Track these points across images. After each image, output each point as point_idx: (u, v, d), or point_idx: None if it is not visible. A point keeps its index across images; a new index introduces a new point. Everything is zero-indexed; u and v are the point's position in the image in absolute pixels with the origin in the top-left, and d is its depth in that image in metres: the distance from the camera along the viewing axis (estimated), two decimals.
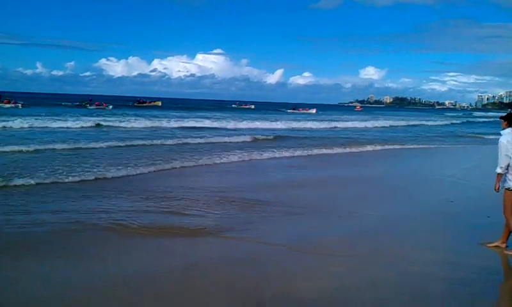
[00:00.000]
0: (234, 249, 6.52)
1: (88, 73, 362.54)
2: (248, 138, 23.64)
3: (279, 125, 36.36)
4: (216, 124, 33.72)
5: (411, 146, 23.72)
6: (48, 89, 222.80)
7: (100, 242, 6.60)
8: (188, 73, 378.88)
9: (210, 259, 6.07)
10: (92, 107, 54.61)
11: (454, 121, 57.14)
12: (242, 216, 8.23)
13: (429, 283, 5.36)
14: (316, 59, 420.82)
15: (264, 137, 24.79)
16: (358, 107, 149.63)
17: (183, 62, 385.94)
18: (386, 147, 22.55)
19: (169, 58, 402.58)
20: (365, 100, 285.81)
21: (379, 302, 4.91)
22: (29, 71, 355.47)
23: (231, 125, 33.93)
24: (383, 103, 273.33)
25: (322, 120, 44.52)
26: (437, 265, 5.92)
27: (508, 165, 6.14)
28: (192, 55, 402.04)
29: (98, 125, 28.55)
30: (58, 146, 16.37)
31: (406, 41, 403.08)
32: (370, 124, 42.03)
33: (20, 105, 49.27)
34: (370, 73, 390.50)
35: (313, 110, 76.03)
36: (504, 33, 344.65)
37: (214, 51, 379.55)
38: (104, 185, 10.56)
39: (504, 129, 6.30)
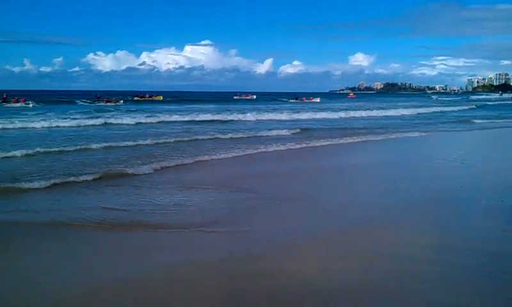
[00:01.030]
0: (230, 245, 6.20)
1: (76, 69, 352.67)
2: (284, 131, 21.95)
3: (298, 115, 34.52)
4: (236, 117, 31.51)
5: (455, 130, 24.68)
6: (36, 86, 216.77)
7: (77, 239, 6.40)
8: (177, 66, 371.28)
9: (206, 256, 5.70)
10: (101, 103, 52.12)
11: (473, 106, 55.60)
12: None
13: (464, 271, 5.08)
14: (305, 48, 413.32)
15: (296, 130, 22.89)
16: (352, 94, 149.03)
17: (171, 54, 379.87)
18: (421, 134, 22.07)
19: (157, 51, 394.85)
20: (356, 87, 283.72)
21: (402, 293, 4.62)
22: (16, 69, 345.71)
23: (249, 117, 31.97)
24: (374, 90, 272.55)
25: (338, 110, 42.26)
26: (466, 251, 5.62)
27: None
28: (180, 47, 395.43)
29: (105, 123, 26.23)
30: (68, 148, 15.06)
31: (391, 26, 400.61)
32: (395, 112, 40.08)
33: (30, 104, 46.61)
34: (359, 59, 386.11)
35: (318, 99, 74.76)
36: (490, 15, 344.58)
37: (203, 42, 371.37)
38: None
39: None
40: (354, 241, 6.16)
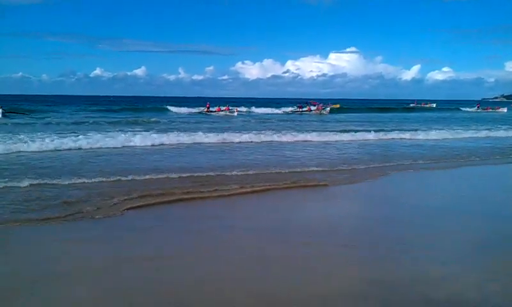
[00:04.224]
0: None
1: (225, 77, 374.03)
2: None
3: None
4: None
5: None
6: (189, 93, 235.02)
7: None
8: (320, 73, 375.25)
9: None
10: (305, 110, 51.67)
11: None
12: None
13: None
14: (457, 53, 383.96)
15: None
16: None
17: (316, 62, 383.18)
18: None
19: (302, 59, 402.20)
20: None
21: None
22: (172, 77, 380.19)
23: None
24: None
25: None
26: None
27: None
28: (325, 55, 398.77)
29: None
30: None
31: None
32: None
33: (235, 111, 45.93)
34: None
35: (504, 110, 68.99)
36: None
37: (348, 49, 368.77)
38: None
39: None
40: None
